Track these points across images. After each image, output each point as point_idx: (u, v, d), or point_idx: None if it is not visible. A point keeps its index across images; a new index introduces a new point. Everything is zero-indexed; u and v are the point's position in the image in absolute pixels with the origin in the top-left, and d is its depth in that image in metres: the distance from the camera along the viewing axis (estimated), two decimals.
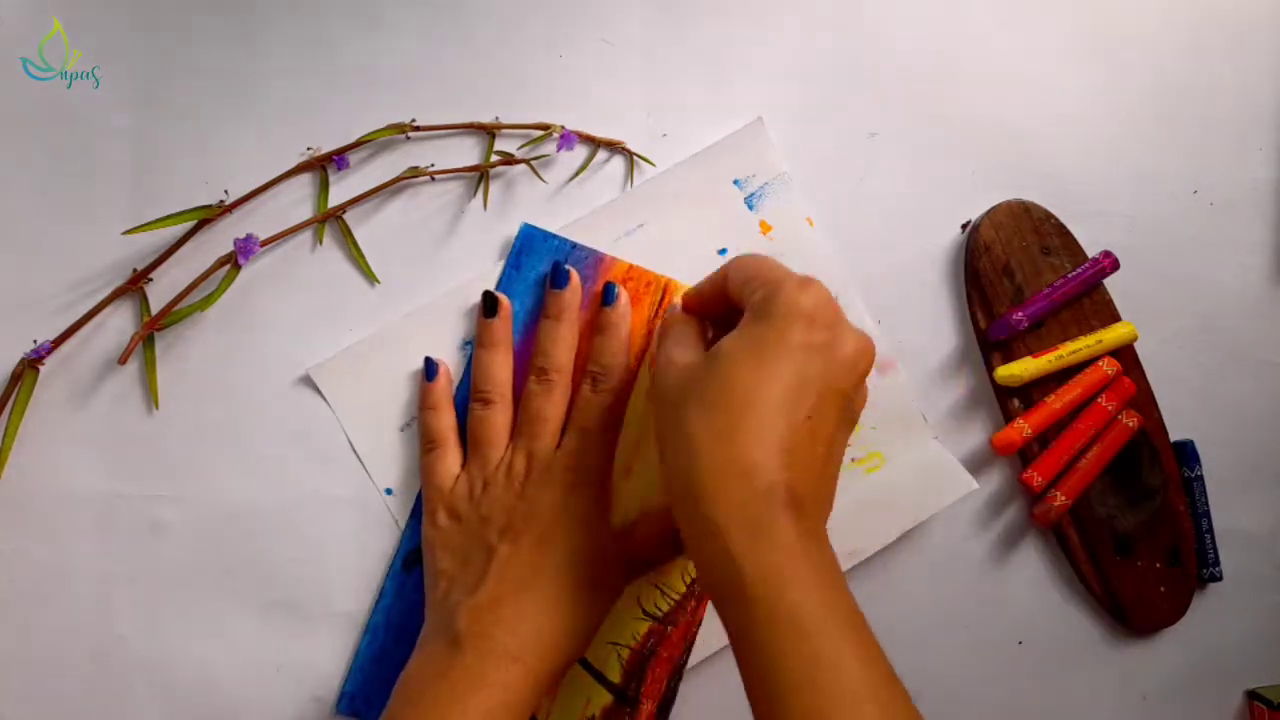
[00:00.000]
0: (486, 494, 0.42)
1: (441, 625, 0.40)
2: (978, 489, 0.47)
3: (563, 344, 0.44)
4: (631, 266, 0.46)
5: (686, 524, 0.35)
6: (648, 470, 0.45)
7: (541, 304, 0.45)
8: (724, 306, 0.40)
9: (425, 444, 0.45)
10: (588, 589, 0.40)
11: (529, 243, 0.46)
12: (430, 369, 0.45)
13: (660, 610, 0.45)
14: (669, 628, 0.45)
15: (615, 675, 0.44)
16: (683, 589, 0.45)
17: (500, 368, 0.44)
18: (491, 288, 0.45)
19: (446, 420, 0.45)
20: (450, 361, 0.45)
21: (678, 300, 0.43)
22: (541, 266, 0.46)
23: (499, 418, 0.44)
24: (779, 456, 0.33)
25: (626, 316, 0.45)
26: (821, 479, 0.35)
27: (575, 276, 0.45)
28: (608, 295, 0.45)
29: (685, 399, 0.35)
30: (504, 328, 0.45)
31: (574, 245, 0.46)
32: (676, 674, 0.45)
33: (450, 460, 0.44)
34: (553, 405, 0.43)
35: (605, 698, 0.44)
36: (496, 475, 0.43)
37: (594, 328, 0.45)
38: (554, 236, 0.46)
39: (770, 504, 0.32)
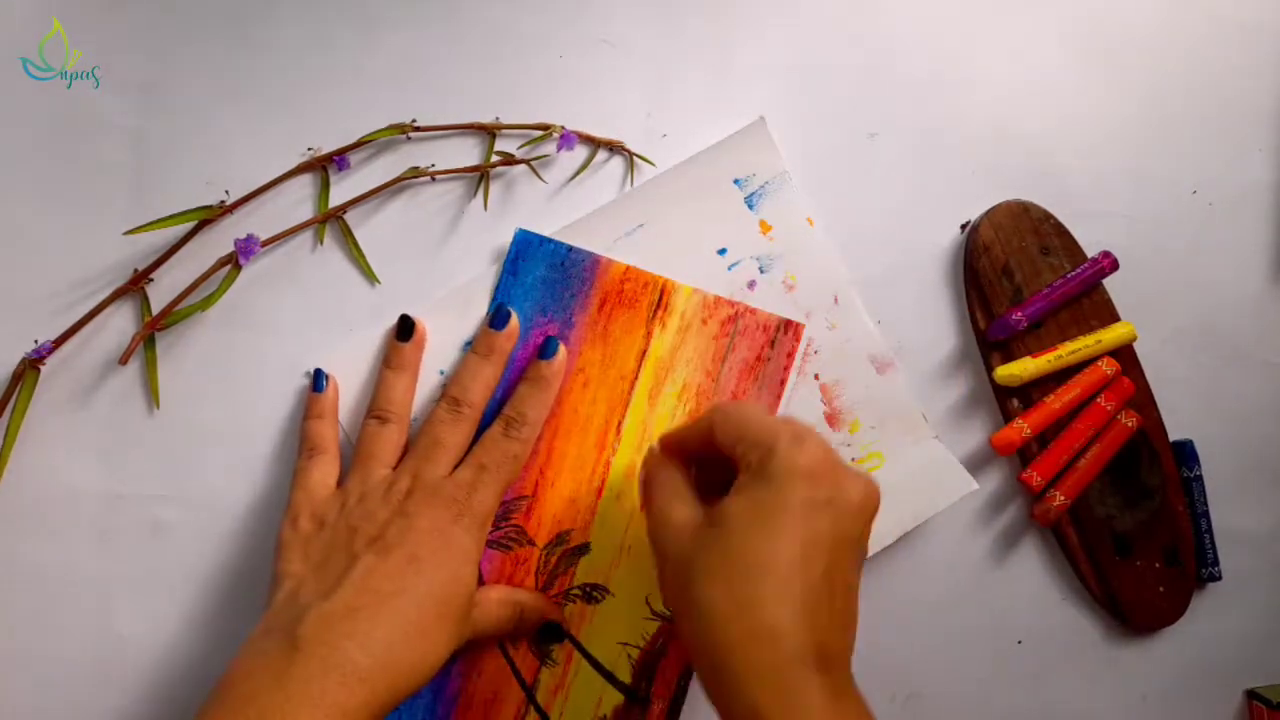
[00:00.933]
0: (361, 505, 0.40)
1: (282, 624, 0.36)
2: (978, 489, 0.47)
3: (482, 382, 0.43)
4: (629, 268, 0.46)
5: (714, 687, 0.33)
6: (606, 538, 0.45)
7: (544, 305, 0.45)
8: (707, 451, 0.39)
9: (304, 449, 0.43)
10: (449, 623, 0.38)
11: (525, 248, 0.46)
12: (319, 380, 0.44)
13: (667, 610, 0.45)
14: None
15: (625, 675, 0.44)
16: None
17: (404, 391, 0.44)
18: (488, 290, 0.46)
19: (330, 431, 0.44)
20: (449, 364, 0.45)
21: (655, 444, 0.41)
22: (539, 270, 0.46)
23: (393, 436, 0.43)
24: (802, 618, 0.33)
25: (559, 375, 0.45)
26: (845, 628, 0.35)
27: (514, 322, 0.44)
28: (546, 349, 0.44)
29: (695, 566, 0.35)
30: (415, 353, 0.44)
31: (570, 248, 0.46)
32: (687, 673, 0.45)
33: (327, 469, 0.43)
34: (455, 436, 0.42)
35: (617, 698, 0.44)
36: (375, 490, 0.41)
37: (524, 375, 0.44)
38: (549, 241, 0.46)
39: (799, 667, 0.32)
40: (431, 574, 0.38)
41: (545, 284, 0.46)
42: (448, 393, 0.43)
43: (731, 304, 0.46)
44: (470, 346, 0.45)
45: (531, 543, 0.45)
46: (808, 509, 0.34)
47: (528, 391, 0.44)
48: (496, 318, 0.44)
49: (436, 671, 0.38)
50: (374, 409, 0.43)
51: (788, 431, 0.36)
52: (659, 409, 0.46)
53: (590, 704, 0.44)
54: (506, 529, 0.45)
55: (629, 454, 0.45)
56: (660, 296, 0.46)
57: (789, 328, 0.47)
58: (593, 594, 0.45)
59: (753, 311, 0.46)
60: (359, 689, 0.34)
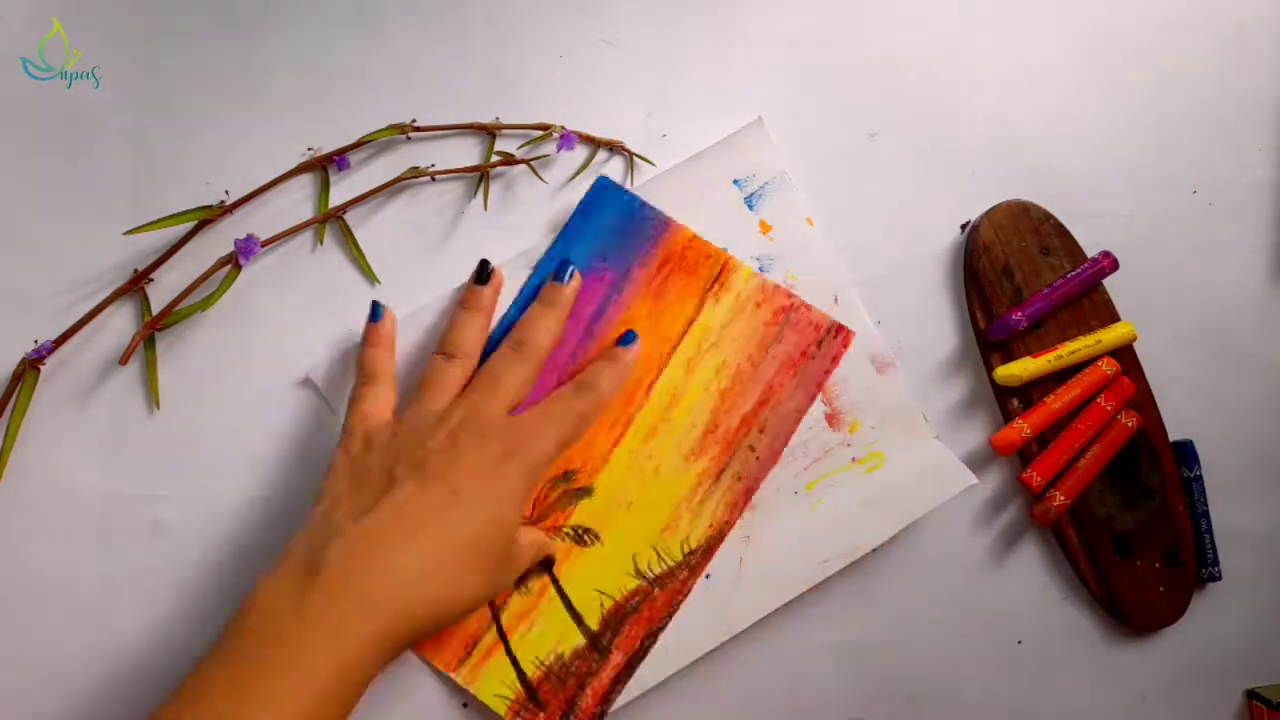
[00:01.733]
0: (412, 432, 0.39)
1: (308, 547, 0.36)
2: (978, 484, 0.47)
3: (546, 330, 0.43)
4: (695, 236, 0.46)
5: None
6: (648, 502, 0.46)
7: (605, 251, 0.46)
8: None
9: (361, 376, 0.43)
10: (482, 565, 0.37)
11: (601, 193, 0.46)
12: (376, 311, 0.44)
13: (652, 572, 0.45)
14: (656, 590, 0.45)
15: (594, 622, 0.45)
16: (679, 558, 0.45)
17: (475, 332, 0.43)
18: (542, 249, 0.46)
19: (386, 359, 0.43)
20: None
21: None
22: (609, 218, 0.46)
23: (456, 371, 0.42)
24: None
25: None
26: None
27: (578, 279, 0.45)
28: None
29: None
30: (491, 297, 0.44)
31: (644, 203, 0.46)
32: (652, 635, 0.45)
33: (383, 395, 0.42)
34: (515, 375, 0.42)
35: (579, 640, 0.45)
36: (428, 418, 0.40)
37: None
38: (626, 192, 0.47)
39: None
40: (470, 511, 0.37)
41: (612, 232, 0.46)
42: (512, 335, 0.43)
43: (789, 295, 0.47)
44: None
45: None
46: None
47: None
48: (561, 270, 0.44)
49: (465, 613, 0.38)
50: (442, 346, 0.43)
51: None
52: (693, 379, 0.46)
53: (552, 639, 0.44)
54: None
55: (653, 415, 0.46)
56: (720, 271, 0.46)
57: (839, 332, 0.47)
58: (584, 537, 0.45)
59: (808, 308, 0.47)
60: (377, 618, 0.34)
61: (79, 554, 0.43)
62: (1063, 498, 0.46)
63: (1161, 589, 0.49)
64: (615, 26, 0.48)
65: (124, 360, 0.43)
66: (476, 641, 0.44)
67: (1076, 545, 0.48)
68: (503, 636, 0.44)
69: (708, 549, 0.45)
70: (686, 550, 0.45)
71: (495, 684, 0.44)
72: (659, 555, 0.45)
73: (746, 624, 0.45)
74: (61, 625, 0.43)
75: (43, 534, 0.43)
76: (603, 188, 0.46)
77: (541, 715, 0.44)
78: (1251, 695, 0.51)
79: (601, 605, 0.45)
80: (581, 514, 0.45)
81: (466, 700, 0.44)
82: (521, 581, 0.44)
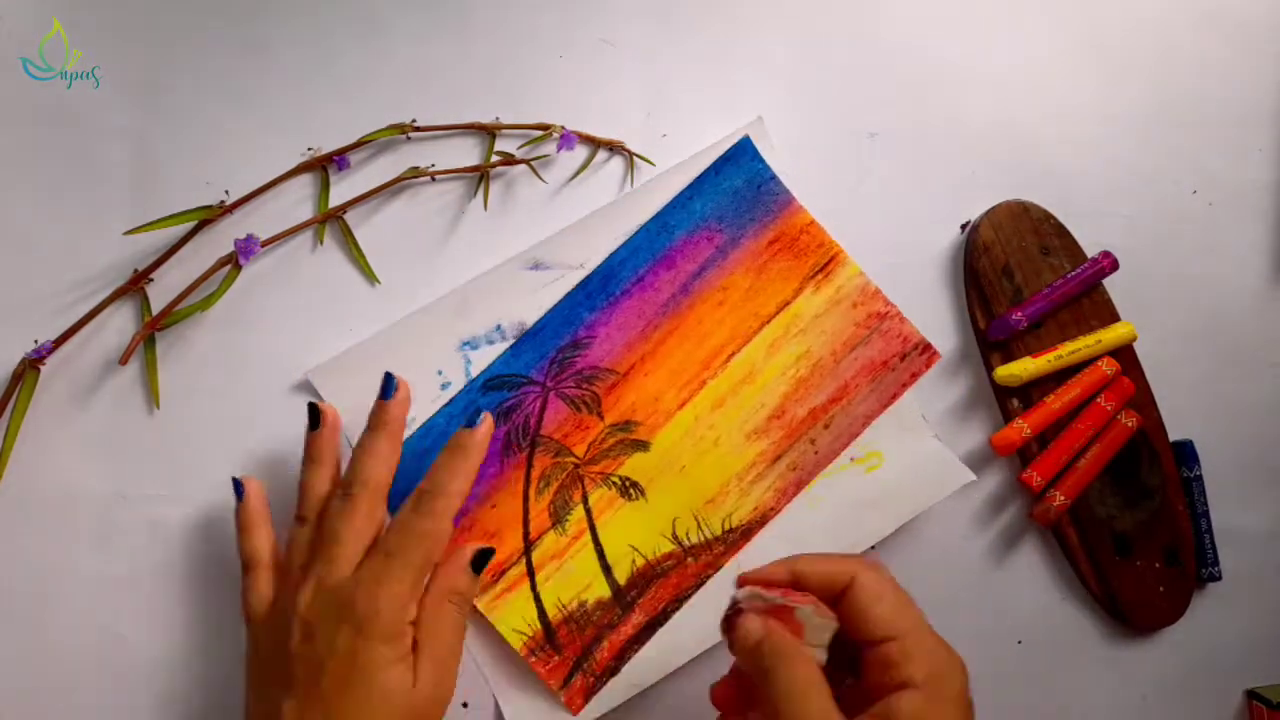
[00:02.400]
0: (276, 632, 0.38)
1: None
2: (976, 480, 0.47)
3: (377, 457, 0.40)
4: (814, 223, 0.47)
5: None
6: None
7: (723, 214, 0.46)
8: (809, 589, 0.35)
9: (242, 566, 0.41)
10: None
11: (738, 154, 0.47)
12: (238, 489, 0.42)
13: (689, 540, 0.45)
14: (689, 559, 0.45)
15: (622, 577, 0.45)
16: (718, 533, 0.46)
17: (321, 484, 0.41)
18: (609, 234, 0.46)
19: (258, 541, 0.41)
20: (446, 364, 0.45)
21: (756, 591, 0.35)
22: (738, 181, 0.46)
23: (308, 535, 0.40)
24: None
25: (483, 446, 0.41)
26: None
27: (405, 388, 0.41)
28: (473, 418, 0.41)
29: None
30: (330, 441, 0.42)
31: (773, 175, 0.47)
32: (676, 602, 0.45)
33: (260, 583, 0.40)
34: (352, 523, 0.38)
35: (604, 591, 0.45)
36: (287, 609, 0.38)
37: (447, 444, 0.40)
38: (761, 160, 0.47)
39: None
40: (343, 709, 0.36)
41: (735, 196, 0.47)
42: (343, 478, 0.40)
43: (887, 302, 0.47)
44: (468, 348, 0.45)
45: (600, 415, 0.45)
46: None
47: (445, 460, 0.40)
48: (385, 386, 0.41)
49: None
50: (297, 509, 0.41)
51: (935, 639, 0.35)
52: (773, 361, 0.46)
53: (578, 585, 0.45)
54: (585, 391, 0.45)
55: (725, 387, 0.46)
56: (827, 262, 0.47)
57: (925, 350, 0.47)
58: (630, 490, 0.45)
59: (902, 319, 0.47)
60: None
61: (79, 554, 0.43)
62: (1063, 498, 0.46)
63: (1161, 589, 0.49)
64: (615, 26, 0.48)
65: (124, 360, 0.43)
66: (504, 571, 0.44)
67: (1076, 545, 0.48)
68: (530, 572, 0.44)
69: (748, 530, 0.46)
70: (727, 527, 0.46)
71: (515, 619, 0.44)
72: (699, 525, 0.46)
73: None
74: (61, 625, 0.43)
75: (43, 534, 0.43)
76: (742, 148, 0.47)
77: (556, 658, 0.44)
78: (1251, 695, 0.51)
79: (633, 562, 0.45)
80: (632, 466, 0.45)
81: (467, 701, 0.44)
82: (561, 520, 0.45)
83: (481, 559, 0.40)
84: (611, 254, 0.46)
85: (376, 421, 0.41)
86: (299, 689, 0.36)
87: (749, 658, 0.34)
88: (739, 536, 0.46)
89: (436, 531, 0.39)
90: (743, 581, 0.36)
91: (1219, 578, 0.50)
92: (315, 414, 0.42)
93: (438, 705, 0.38)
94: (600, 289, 0.46)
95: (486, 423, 0.41)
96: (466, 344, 0.46)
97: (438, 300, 0.46)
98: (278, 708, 0.36)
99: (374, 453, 0.40)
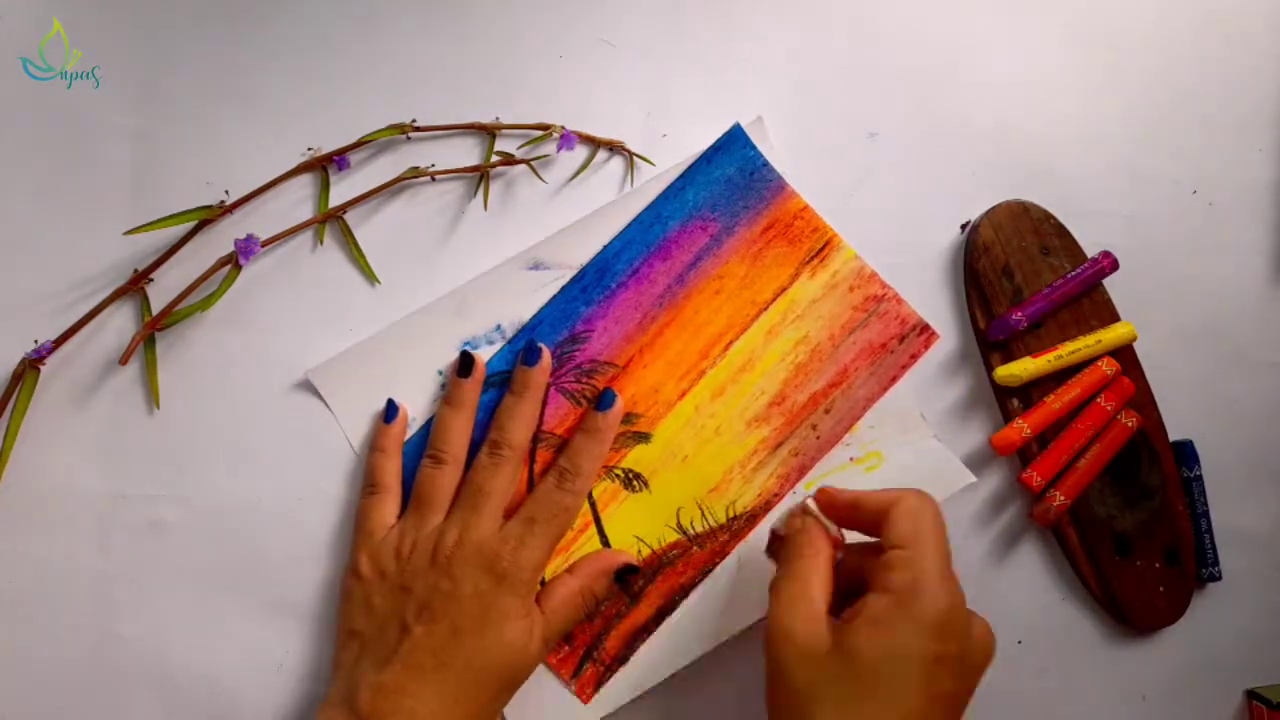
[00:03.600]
0: (412, 559, 0.41)
1: (345, 694, 0.39)
2: (976, 482, 0.47)
3: (521, 421, 0.44)
4: (807, 208, 0.47)
5: None
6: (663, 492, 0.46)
7: (716, 202, 0.46)
8: (859, 523, 0.39)
9: (366, 486, 0.44)
10: (492, 689, 0.40)
11: (730, 142, 0.47)
12: (391, 410, 0.44)
13: (693, 530, 0.46)
14: (695, 548, 0.46)
15: None
16: (722, 520, 0.46)
17: (461, 431, 0.44)
18: (607, 228, 0.46)
19: (392, 466, 0.44)
20: (447, 364, 0.45)
21: (812, 500, 0.40)
22: (730, 169, 0.47)
23: (447, 479, 0.43)
24: None
25: (614, 427, 0.45)
26: None
27: (547, 356, 0.45)
28: (604, 400, 0.45)
29: (816, 695, 0.35)
30: (474, 391, 0.44)
31: (765, 162, 0.47)
32: (683, 591, 0.45)
33: (388, 508, 0.43)
34: (498, 481, 0.43)
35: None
36: (425, 543, 0.42)
37: (580, 426, 0.45)
38: (753, 147, 0.47)
39: None
40: (472, 644, 0.39)
41: (728, 184, 0.47)
42: (489, 436, 0.44)
43: (884, 285, 0.47)
44: (468, 346, 0.45)
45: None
46: (939, 664, 0.35)
47: (583, 443, 0.44)
48: (529, 353, 0.44)
49: None
50: (430, 448, 0.44)
51: (938, 566, 0.36)
52: (771, 347, 0.46)
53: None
54: (585, 385, 0.45)
55: (725, 375, 0.46)
56: (823, 247, 0.47)
57: (923, 331, 0.47)
58: (633, 481, 0.46)
59: (899, 301, 0.47)
60: None
61: (79, 554, 0.43)
62: (1063, 498, 0.46)
63: (1161, 589, 0.49)
64: (615, 27, 0.48)
65: (124, 360, 0.43)
66: None
67: (1076, 545, 0.48)
68: None
69: (752, 517, 0.46)
70: (731, 514, 0.46)
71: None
72: (703, 514, 0.46)
73: (746, 624, 0.45)
74: (61, 625, 0.43)
75: (43, 534, 0.43)
76: (733, 137, 0.47)
77: (566, 649, 0.44)
78: (1251, 695, 0.51)
79: (639, 552, 0.45)
80: (635, 458, 0.46)
81: None
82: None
83: (627, 572, 0.44)
84: (605, 247, 0.46)
85: (519, 387, 0.44)
86: (433, 619, 0.40)
87: (785, 544, 0.40)
88: (743, 524, 0.46)
89: (574, 507, 0.43)
90: (818, 495, 0.40)
91: (1219, 578, 0.50)
92: (469, 361, 0.44)
93: (529, 672, 0.42)
94: (596, 282, 0.46)
95: (618, 405, 0.45)
96: (467, 344, 0.46)
97: (438, 300, 0.46)
98: (406, 631, 0.40)
99: (520, 417, 0.44)
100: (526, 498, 0.43)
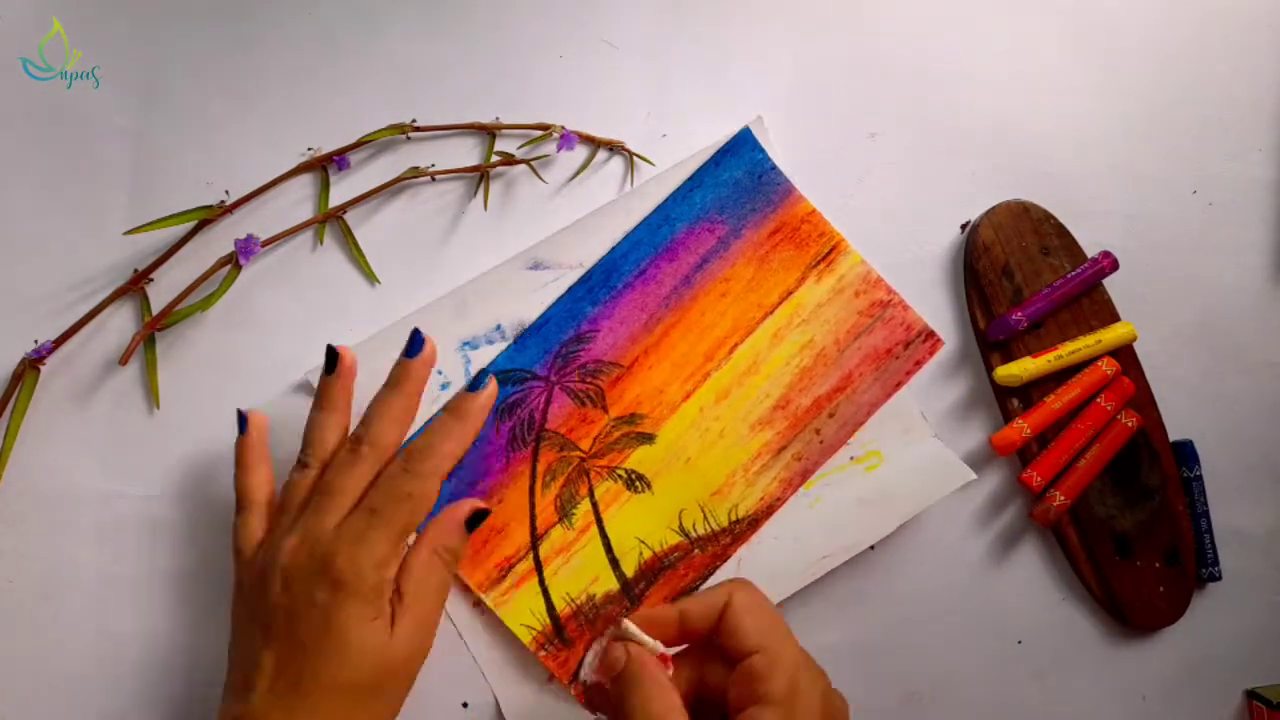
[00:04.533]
0: (263, 576, 0.38)
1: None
2: (976, 479, 0.47)
3: (391, 417, 0.39)
4: (814, 212, 0.47)
5: None
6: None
7: (724, 205, 0.46)
8: (691, 638, 0.36)
9: (237, 503, 0.41)
10: (363, 698, 0.37)
11: (739, 145, 0.47)
12: (241, 422, 0.41)
13: (695, 532, 0.46)
14: (696, 551, 0.46)
15: (630, 569, 0.45)
16: (724, 524, 0.46)
17: (331, 431, 0.40)
18: (612, 229, 0.46)
19: (255, 479, 0.41)
20: (446, 364, 0.45)
21: (625, 625, 0.35)
22: (739, 172, 0.47)
23: (308, 482, 0.40)
24: None
25: (484, 411, 0.40)
26: None
27: (430, 347, 0.40)
28: (477, 380, 0.40)
29: None
30: (344, 389, 0.41)
31: (774, 166, 0.47)
32: (685, 593, 0.45)
33: (254, 524, 0.40)
34: (351, 480, 0.38)
35: (612, 584, 0.45)
36: (274, 554, 0.38)
37: (446, 405, 0.40)
38: (761, 150, 0.47)
39: None
40: (321, 660, 0.36)
41: (736, 186, 0.47)
42: (355, 430, 0.39)
43: (890, 291, 0.47)
44: (468, 348, 0.45)
45: (605, 409, 0.46)
46: None
47: (442, 421, 0.39)
48: (412, 343, 0.40)
49: None
50: (300, 453, 0.40)
51: (799, 656, 0.35)
52: (776, 351, 0.46)
53: (586, 578, 0.45)
54: (590, 385, 0.45)
55: (729, 378, 0.46)
56: (829, 251, 0.47)
57: (929, 338, 0.47)
58: (636, 483, 0.46)
59: (906, 308, 0.47)
60: None
61: (79, 554, 0.43)
62: (1063, 498, 0.46)
63: (1161, 589, 0.49)
64: (615, 27, 0.48)
65: (124, 360, 0.43)
66: (511, 566, 0.45)
67: (1076, 545, 0.48)
68: (538, 566, 0.45)
69: (754, 520, 0.46)
70: (733, 518, 0.46)
71: (524, 613, 0.44)
72: (705, 516, 0.46)
73: None
74: (61, 625, 0.43)
75: (43, 534, 0.43)
76: (742, 139, 0.47)
77: (565, 652, 0.44)
78: (1251, 695, 0.51)
79: (640, 555, 0.45)
80: (638, 460, 0.46)
81: (467, 701, 0.44)
82: (567, 515, 0.45)
83: (476, 519, 0.40)
84: (613, 248, 0.46)
85: (395, 379, 0.40)
86: (278, 640, 0.37)
87: (615, 684, 0.35)
88: (745, 527, 0.46)
89: (422, 493, 0.38)
90: (632, 617, 0.36)
91: (1219, 578, 0.50)
92: (333, 357, 0.40)
93: (414, 659, 0.38)
94: (603, 283, 0.46)
95: (490, 387, 0.40)
96: (466, 344, 0.46)
97: (437, 300, 0.46)
98: (258, 655, 0.37)
99: (388, 411, 0.39)
100: (367, 489, 0.38)
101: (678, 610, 0.36)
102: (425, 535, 0.39)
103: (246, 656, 0.38)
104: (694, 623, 0.35)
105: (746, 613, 0.35)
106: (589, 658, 0.36)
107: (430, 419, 0.44)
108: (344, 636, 0.36)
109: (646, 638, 0.35)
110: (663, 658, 0.35)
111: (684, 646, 0.36)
